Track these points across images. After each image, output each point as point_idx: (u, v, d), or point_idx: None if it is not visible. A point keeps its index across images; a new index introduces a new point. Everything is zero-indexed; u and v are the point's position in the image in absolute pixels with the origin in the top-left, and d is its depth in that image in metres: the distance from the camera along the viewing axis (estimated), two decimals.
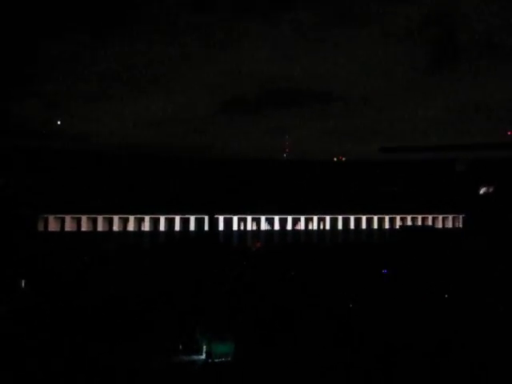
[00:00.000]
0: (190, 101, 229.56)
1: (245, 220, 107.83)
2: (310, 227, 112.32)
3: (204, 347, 31.76)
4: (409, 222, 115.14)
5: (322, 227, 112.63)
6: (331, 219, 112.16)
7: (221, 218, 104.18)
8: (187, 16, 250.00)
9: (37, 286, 48.48)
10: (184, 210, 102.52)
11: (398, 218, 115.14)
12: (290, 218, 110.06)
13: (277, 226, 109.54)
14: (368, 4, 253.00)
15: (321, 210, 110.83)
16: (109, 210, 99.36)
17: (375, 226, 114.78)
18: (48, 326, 35.83)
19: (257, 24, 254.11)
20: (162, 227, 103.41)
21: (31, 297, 45.01)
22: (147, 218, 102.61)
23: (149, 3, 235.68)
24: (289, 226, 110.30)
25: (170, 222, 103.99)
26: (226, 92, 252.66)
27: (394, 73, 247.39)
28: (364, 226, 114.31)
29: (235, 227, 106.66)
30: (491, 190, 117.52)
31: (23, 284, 48.83)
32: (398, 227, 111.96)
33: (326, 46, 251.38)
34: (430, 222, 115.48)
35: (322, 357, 31.06)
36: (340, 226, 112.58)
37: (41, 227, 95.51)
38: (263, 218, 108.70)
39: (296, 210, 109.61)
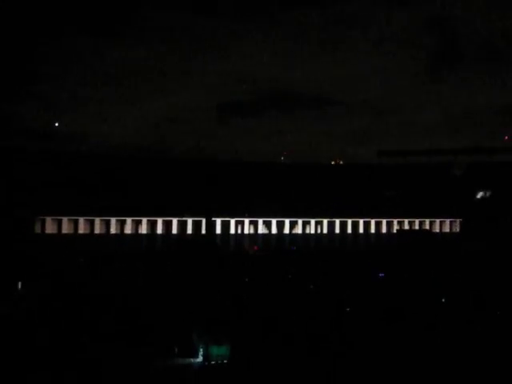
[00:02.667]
0: (188, 103, 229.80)
1: (242, 223, 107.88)
2: (307, 231, 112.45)
3: (201, 350, 31.73)
4: (406, 226, 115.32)
5: (319, 231, 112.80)
6: (329, 223, 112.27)
7: (218, 221, 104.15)
8: (187, 18, 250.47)
9: (34, 288, 48.36)
10: (181, 212, 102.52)
11: (395, 221, 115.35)
12: (287, 221, 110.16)
13: (274, 230, 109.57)
14: (368, 8, 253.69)
15: (318, 214, 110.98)
16: (106, 212, 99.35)
17: (372, 229, 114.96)
18: (45, 328, 35.75)
19: (256, 27, 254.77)
20: (159, 230, 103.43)
21: (28, 299, 44.89)
22: (144, 221, 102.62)
23: (149, 5, 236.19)
24: (286, 230, 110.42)
25: (167, 225, 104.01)
26: (224, 95, 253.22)
27: (394, 77, 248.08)
28: (361, 229, 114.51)
29: (232, 230, 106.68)
30: (488, 194, 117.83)
31: (20, 286, 48.70)
32: (395, 231, 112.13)
33: (326, 49, 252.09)
34: (427, 226, 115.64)
35: (318, 359, 31.06)
36: (337, 230, 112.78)
37: (38, 229, 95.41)
38: (261, 221, 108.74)
39: (293, 214, 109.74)
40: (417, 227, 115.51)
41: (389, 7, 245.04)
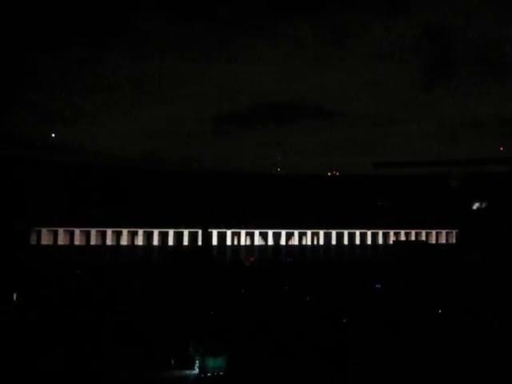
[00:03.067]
0: (184, 114, 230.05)
1: (238, 234, 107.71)
2: (303, 242, 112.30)
3: (197, 361, 31.59)
4: (402, 237, 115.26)
5: (315, 242, 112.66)
6: (325, 234, 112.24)
7: (214, 233, 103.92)
8: (183, 30, 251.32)
9: (29, 298, 48.18)
10: (177, 223, 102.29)
11: (391, 232, 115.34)
12: (283, 233, 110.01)
13: (270, 241, 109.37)
14: (364, 19, 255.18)
15: (314, 225, 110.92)
16: (102, 223, 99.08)
17: (369, 240, 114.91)
18: (40, 339, 35.57)
19: (251, 38, 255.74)
20: (155, 241, 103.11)
21: (24, 309, 44.71)
22: (140, 232, 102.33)
23: (147, 15, 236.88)
24: (283, 241, 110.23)
25: (163, 236, 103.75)
26: (220, 106, 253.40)
27: (390, 88, 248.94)
28: (358, 240, 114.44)
29: (229, 242, 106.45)
30: (484, 205, 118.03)
31: (15, 297, 48.50)
32: (391, 242, 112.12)
33: (321, 60, 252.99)
34: (423, 237, 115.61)
35: (314, 370, 30.94)
36: (334, 241, 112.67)
37: (33, 240, 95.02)
38: (257, 233, 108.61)
39: (290, 225, 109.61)
40: (413, 238, 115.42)
41: (387, 18, 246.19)
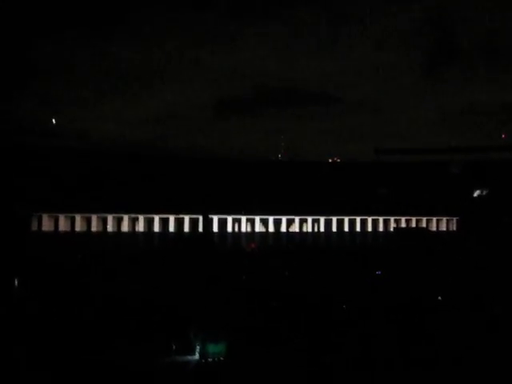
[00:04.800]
0: (184, 100, 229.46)
1: (239, 221, 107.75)
2: (304, 229, 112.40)
3: (197, 347, 31.76)
4: (403, 224, 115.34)
5: (316, 229, 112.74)
6: (326, 221, 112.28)
7: (215, 219, 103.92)
8: (184, 14, 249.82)
9: (31, 285, 48.27)
10: (178, 209, 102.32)
11: (392, 219, 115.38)
12: (284, 219, 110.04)
13: (271, 228, 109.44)
14: (365, 5, 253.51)
15: (315, 212, 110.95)
16: (103, 208, 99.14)
17: (369, 227, 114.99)
18: (42, 326, 35.67)
19: (254, 23, 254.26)
20: (156, 227, 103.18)
21: (25, 297, 44.81)
22: (141, 218, 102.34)
23: (148, 1, 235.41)
24: (283, 228, 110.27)
25: (164, 223, 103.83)
26: (221, 91, 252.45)
27: (391, 75, 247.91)
28: (358, 227, 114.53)
29: (229, 228, 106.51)
30: (485, 192, 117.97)
31: (16, 284, 48.59)
32: (392, 229, 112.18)
33: (323, 46, 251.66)
34: (424, 225, 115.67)
35: (315, 357, 31.04)
36: (334, 228, 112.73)
37: (34, 226, 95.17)
38: (258, 219, 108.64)
39: (290, 211, 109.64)
40: (414, 225, 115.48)
41: (388, 3, 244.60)
